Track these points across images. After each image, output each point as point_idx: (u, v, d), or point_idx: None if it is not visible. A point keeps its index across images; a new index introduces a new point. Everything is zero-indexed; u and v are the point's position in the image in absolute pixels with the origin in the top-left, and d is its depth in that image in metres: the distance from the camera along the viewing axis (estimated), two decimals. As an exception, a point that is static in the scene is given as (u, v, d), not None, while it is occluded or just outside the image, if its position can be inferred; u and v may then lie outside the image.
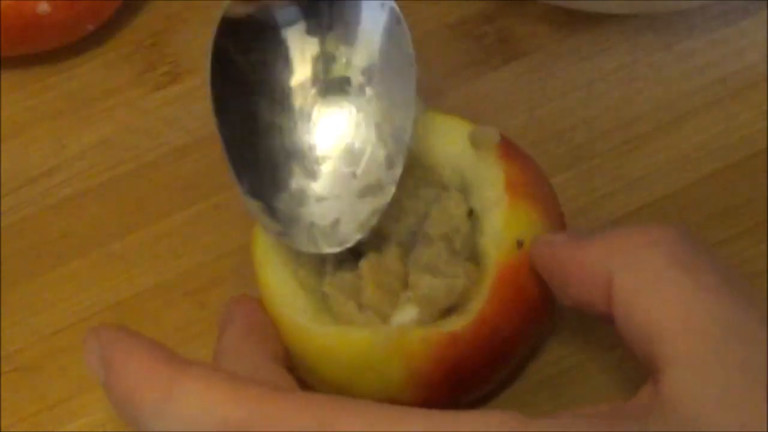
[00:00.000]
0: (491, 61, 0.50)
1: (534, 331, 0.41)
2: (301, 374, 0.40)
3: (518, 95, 0.49)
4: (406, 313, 0.38)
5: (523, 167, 0.40)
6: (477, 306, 0.38)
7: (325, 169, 0.41)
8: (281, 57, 0.41)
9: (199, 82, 0.50)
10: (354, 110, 0.41)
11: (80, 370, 0.44)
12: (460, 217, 0.40)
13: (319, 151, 0.41)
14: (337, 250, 0.40)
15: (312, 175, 0.41)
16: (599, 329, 0.42)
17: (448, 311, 0.39)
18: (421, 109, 0.41)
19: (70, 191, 0.48)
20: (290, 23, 0.41)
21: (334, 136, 0.41)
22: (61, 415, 0.44)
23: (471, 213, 0.40)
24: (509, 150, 0.41)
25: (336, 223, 0.40)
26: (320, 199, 0.41)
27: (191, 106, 0.50)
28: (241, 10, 0.41)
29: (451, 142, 0.41)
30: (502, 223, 0.39)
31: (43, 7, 0.48)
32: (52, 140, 0.49)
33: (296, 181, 0.41)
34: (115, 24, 0.51)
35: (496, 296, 0.38)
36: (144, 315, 0.45)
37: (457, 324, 0.38)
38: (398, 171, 0.40)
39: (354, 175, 0.41)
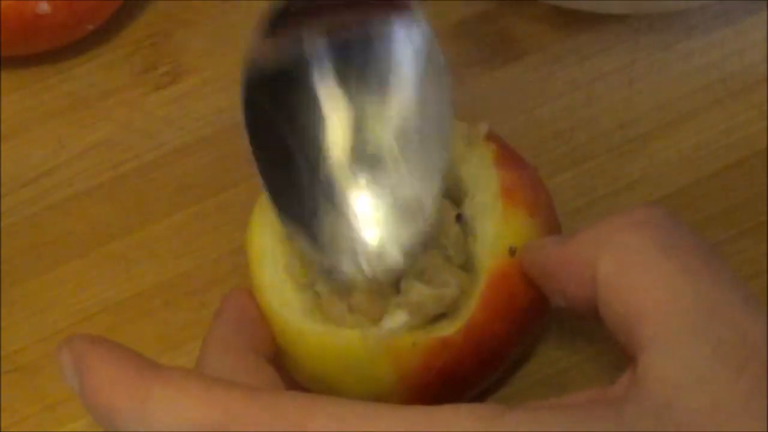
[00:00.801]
0: (491, 61, 0.50)
1: (525, 336, 0.41)
2: (291, 372, 0.40)
3: (518, 95, 0.49)
4: (397, 318, 0.38)
5: (519, 174, 0.40)
6: (468, 312, 0.38)
7: (366, 197, 0.40)
8: (312, 114, 0.40)
9: (199, 81, 0.50)
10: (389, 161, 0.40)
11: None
12: (447, 223, 0.40)
13: (358, 179, 0.40)
14: (386, 274, 0.39)
15: (354, 204, 0.40)
16: (597, 330, 0.42)
17: (439, 316, 0.39)
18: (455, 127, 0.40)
19: (70, 191, 0.48)
20: (320, 80, 0.40)
21: (371, 169, 0.40)
22: (61, 415, 0.44)
23: (459, 218, 0.40)
24: (506, 156, 0.41)
25: (382, 248, 0.39)
26: (363, 227, 0.40)
27: (191, 106, 0.50)
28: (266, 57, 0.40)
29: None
30: (496, 229, 0.39)
31: (43, 7, 0.48)
32: (52, 140, 0.49)
33: (339, 212, 0.40)
34: (115, 24, 0.51)
35: (486, 303, 0.38)
36: (144, 315, 0.45)
37: (447, 329, 0.38)
38: (437, 196, 0.39)
39: (394, 203, 0.40)
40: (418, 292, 0.38)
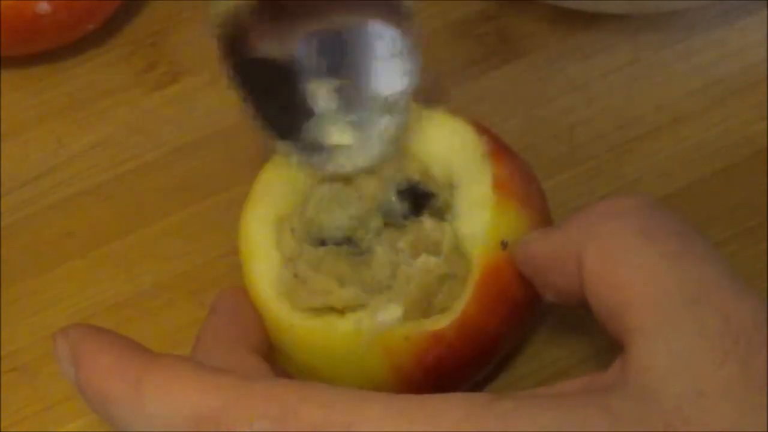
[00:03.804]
0: (491, 60, 0.50)
1: (518, 330, 0.41)
2: (284, 366, 0.40)
3: (518, 95, 0.49)
4: (390, 312, 0.38)
5: (512, 168, 0.41)
6: (460, 305, 0.38)
7: (345, 94, 0.42)
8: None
9: (199, 82, 0.50)
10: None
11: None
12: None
13: (336, 79, 0.42)
14: (373, 164, 0.41)
15: (333, 103, 0.42)
16: (597, 329, 0.42)
17: (433, 310, 0.39)
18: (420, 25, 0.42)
19: (70, 191, 0.48)
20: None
21: (347, 63, 0.43)
22: (61, 415, 0.44)
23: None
24: (498, 149, 0.41)
25: (367, 140, 0.41)
26: (347, 123, 0.42)
27: (191, 106, 0.50)
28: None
29: (443, 139, 0.41)
30: (488, 222, 0.39)
31: (43, 7, 0.48)
32: (52, 140, 0.49)
33: (320, 113, 0.42)
34: (115, 24, 0.51)
35: (479, 296, 0.38)
36: (144, 315, 0.45)
37: (440, 323, 0.38)
38: (411, 86, 0.41)
39: (373, 95, 0.42)
40: (408, 264, 0.39)
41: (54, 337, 0.35)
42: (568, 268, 0.36)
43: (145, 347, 0.34)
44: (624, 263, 0.34)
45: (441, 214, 0.40)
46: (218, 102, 0.50)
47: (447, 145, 0.41)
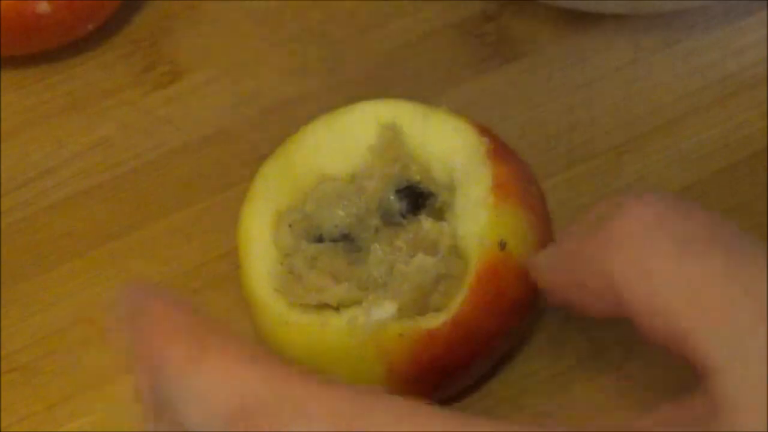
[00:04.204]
0: (491, 61, 0.50)
1: (513, 331, 0.41)
2: None
3: (518, 95, 0.49)
4: (385, 309, 0.38)
5: (512, 168, 0.41)
6: (455, 305, 0.38)
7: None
8: None
9: (199, 81, 0.50)
10: None
11: (80, 370, 0.44)
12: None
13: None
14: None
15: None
16: (597, 329, 0.42)
17: (428, 309, 0.39)
18: None
19: (70, 191, 0.48)
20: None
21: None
22: (61, 415, 0.44)
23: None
24: (498, 150, 0.41)
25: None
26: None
27: (191, 105, 0.50)
28: None
29: (443, 138, 0.41)
30: (487, 223, 0.39)
31: (43, 7, 0.48)
32: (52, 140, 0.49)
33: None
34: (115, 24, 0.51)
35: (475, 296, 0.38)
36: (144, 315, 0.45)
37: (434, 321, 0.38)
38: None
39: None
40: (404, 263, 0.39)
41: (115, 295, 0.33)
42: (602, 293, 0.33)
43: (213, 319, 0.32)
44: (667, 286, 0.31)
45: (440, 213, 0.41)
46: (218, 102, 0.50)
47: (448, 145, 0.41)
